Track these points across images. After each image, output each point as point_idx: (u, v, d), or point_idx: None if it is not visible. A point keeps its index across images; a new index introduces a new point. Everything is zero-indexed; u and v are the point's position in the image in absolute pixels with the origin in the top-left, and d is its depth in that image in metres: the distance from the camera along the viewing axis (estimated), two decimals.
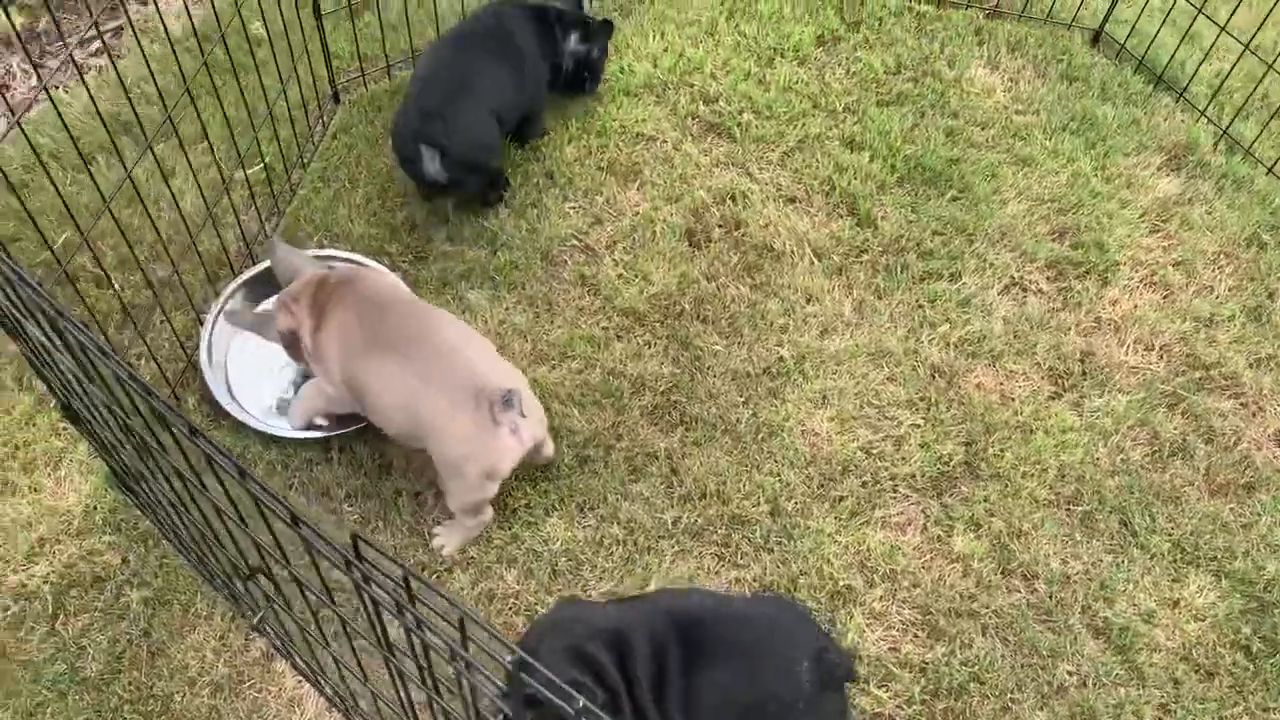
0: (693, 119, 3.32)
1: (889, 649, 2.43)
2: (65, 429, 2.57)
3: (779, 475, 2.64)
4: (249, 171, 2.89)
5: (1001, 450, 2.71)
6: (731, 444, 2.68)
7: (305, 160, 3.09)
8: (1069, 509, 2.62)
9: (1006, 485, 2.66)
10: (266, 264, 2.77)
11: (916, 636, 2.45)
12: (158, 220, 2.75)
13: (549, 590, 2.45)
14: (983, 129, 3.36)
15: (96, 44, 3.51)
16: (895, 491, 2.65)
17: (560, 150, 3.20)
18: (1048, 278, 3.06)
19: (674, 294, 2.93)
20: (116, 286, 2.66)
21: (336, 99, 3.25)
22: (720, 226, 3.09)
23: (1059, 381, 2.87)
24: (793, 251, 3.04)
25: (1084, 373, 2.88)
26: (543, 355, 2.82)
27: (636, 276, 2.96)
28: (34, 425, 2.59)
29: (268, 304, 2.70)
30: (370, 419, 2.47)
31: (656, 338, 2.85)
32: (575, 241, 3.03)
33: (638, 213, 3.10)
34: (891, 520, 2.61)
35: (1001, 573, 2.51)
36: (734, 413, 2.74)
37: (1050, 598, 2.47)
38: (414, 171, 2.88)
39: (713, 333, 2.87)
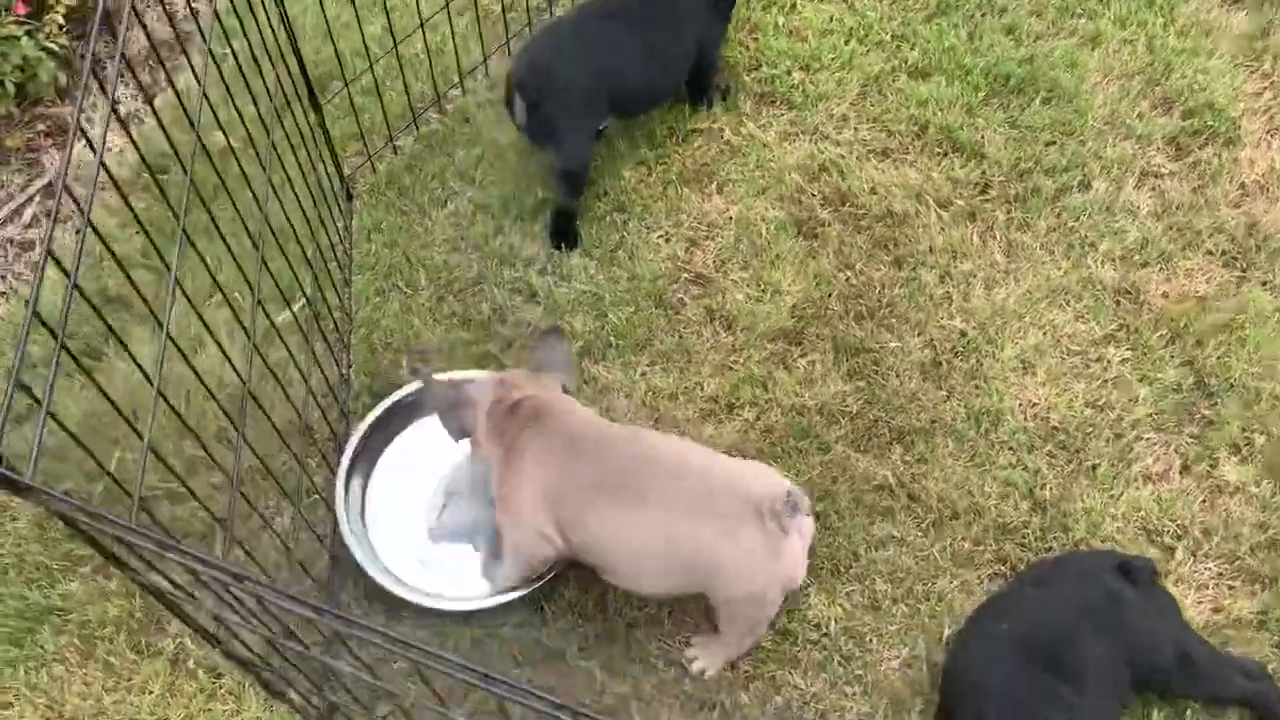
0: (742, 95, 2.96)
1: (1213, 611, 2.24)
2: None
3: (1021, 463, 2.40)
4: (294, 310, 2.41)
5: (1223, 358, 2.52)
6: (957, 447, 2.42)
7: (347, 277, 2.63)
8: None
9: (1245, 394, 2.48)
10: (379, 410, 2.36)
11: (1234, 588, 2.26)
12: (203, 404, 2.27)
13: (848, 679, 2.16)
14: (1039, 17, 3.10)
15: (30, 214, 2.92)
16: (1141, 439, 2.43)
17: (618, 176, 2.81)
18: (1171, 156, 2.85)
19: (816, 298, 2.61)
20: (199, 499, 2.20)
21: (350, 195, 2.77)
22: (826, 206, 2.77)
23: (1237, 264, 2.68)
24: (915, 211, 2.75)
25: (1257, 247, 2.70)
26: (706, 413, 2.48)
27: (767, 292, 2.63)
28: None
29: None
30: (609, 578, 2.11)
31: (821, 353, 2.54)
32: (683, 273, 2.67)
33: (731, 219, 2.75)
34: (1152, 471, 2.40)
35: None
36: (943, 410, 2.46)
37: None
38: (510, 113, 2.67)
39: (878, 328, 2.58)
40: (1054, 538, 2.31)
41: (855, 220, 2.75)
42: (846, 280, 2.65)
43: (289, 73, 2.34)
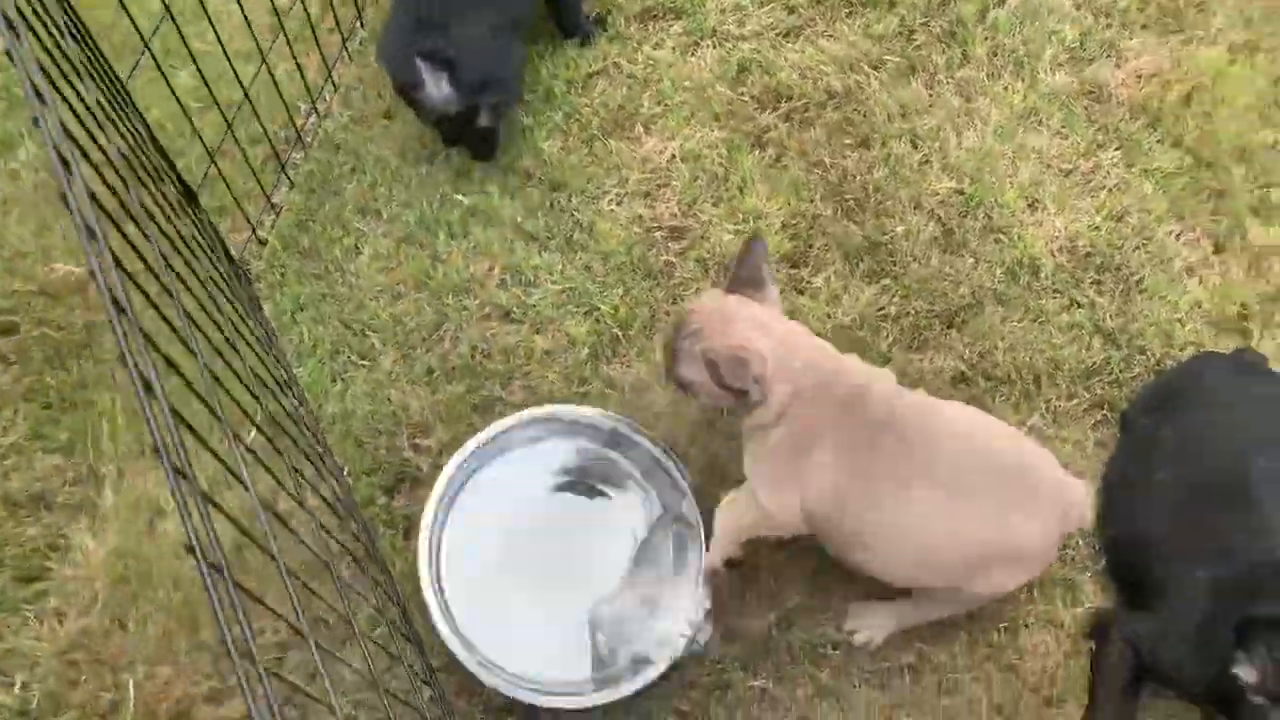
0: (620, 18, 2.65)
1: None
2: None
3: (1074, 301, 2.30)
4: (246, 444, 2.02)
5: (1203, 126, 2.48)
6: (1007, 310, 2.29)
7: (288, 375, 2.23)
8: None
9: (1239, 154, 2.45)
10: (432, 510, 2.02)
11: None
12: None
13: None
14: None
15: None
16: (1169, 234, 2.37)
17: (537, 153, 2.47)
18: None
19: (801, 210, 2.39)
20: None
21: (247, 279, 2.33)
22: (764, 109, 2.52)
23: (1176, 29, 2.63)
24: (855, 83, 2.55)
25: (1184, 5, 2.65)
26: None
27: (749, 221, 2.39)
28: None
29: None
30: (854, 560, 1.88)
31: (832, 266, 2.34)
32: (654, 232, 2.39)
33: (675, 156, 2.47)
34: (1191, 262, 2.35)
35: None
36: (978, 278, 2.32)
37: None
38: (416, 101, 2.29)
39: (876, 218, 2.39)
40: (1139, 363, 2.23)
41: (800, 114, 2.53)
42: (822, 179, 2.45)
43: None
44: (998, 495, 1.75)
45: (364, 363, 2.27)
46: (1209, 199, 2.42)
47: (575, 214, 2.41)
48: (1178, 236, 2.37)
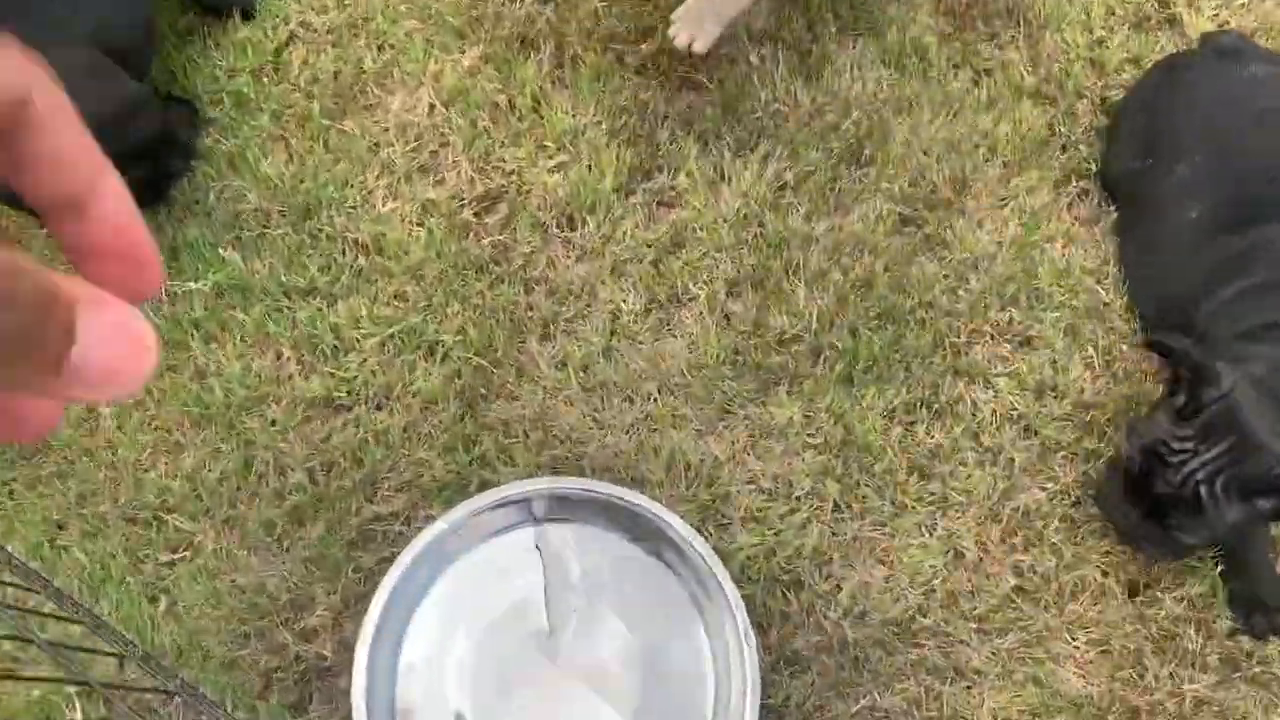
0: None
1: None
2: None
3: None
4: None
5: None
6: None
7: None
8: None
9: None
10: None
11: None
12: None
13: None
14: None
15: None
16: None
17: (264, 184, 1.82)
18: None
19: (638, 98, 1.85)
20: None
21: None
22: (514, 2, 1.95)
23: None
24: None
25: None
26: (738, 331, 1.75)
27: (583, 148, 1.83)
28: None
29: None
30: None
31: (730, 131, 1.83)
32: (466, 208, 1.81)
33: (436, 106, 1.87)
34: None
35: None
36: (875, 94, 1.85)
37: None
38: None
39: (729, 59, 1.88)
40: (1082, 111, 1.83)
41: None
42: (626, 59, 1.90)
43: None
44: None
45: (178, 556, 1.65)
46: None
47: (348, 235, 1.80)
48: None
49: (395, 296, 1.76)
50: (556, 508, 1.59)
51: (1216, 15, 1.87)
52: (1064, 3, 1.88)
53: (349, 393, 1.72)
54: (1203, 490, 1.39)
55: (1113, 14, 1.89)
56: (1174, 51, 1.82)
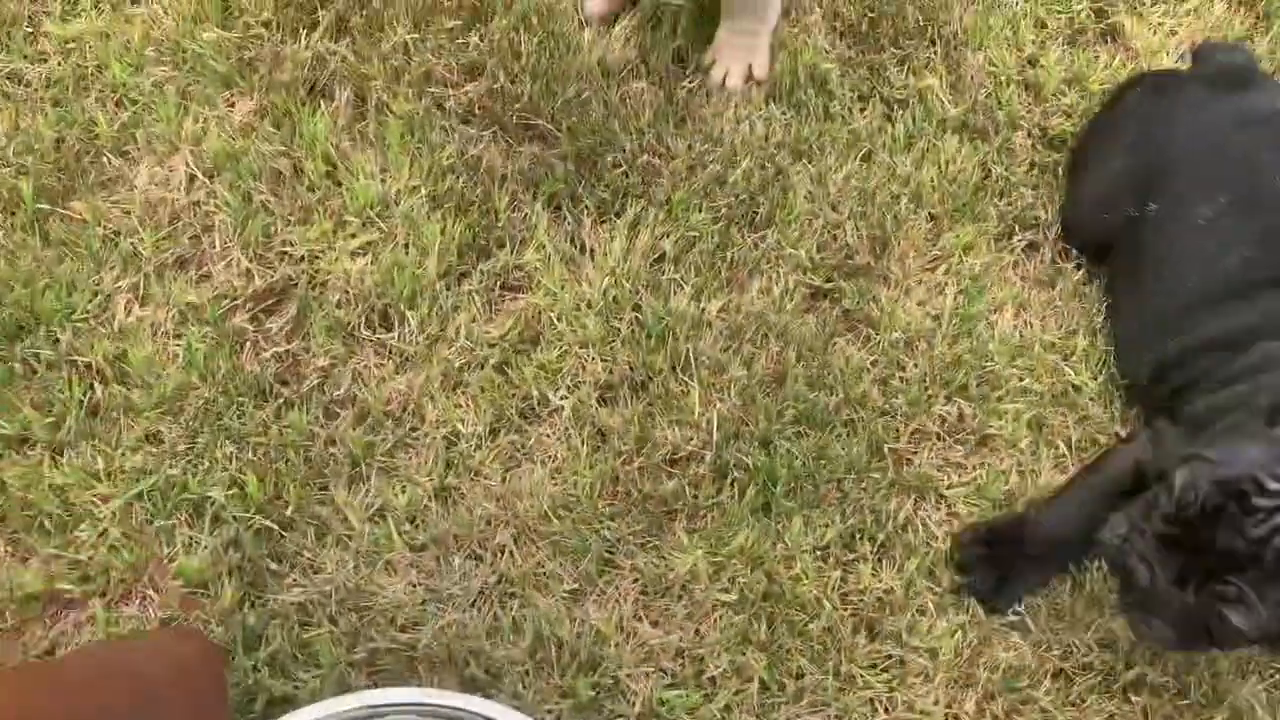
0: None
1: None
2: None
3: None
4: None
5: None
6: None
7: None
8: None
9: None
10: None
11: None
12: None
13: None
14: None
15: None
16: None
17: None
18: None
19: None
20: None
21: None
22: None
23: None
24: None
25: None
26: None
27: (378, 213, 1.40)
28: None
29: None
30: None
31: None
32: (235, 315, 1.35)
33: (197, 176, 1.42)
34: None
35: None
36: (765, 136, 1.47)
37: None
38: None
39: (552, 92, 1.48)
40: (1018, 145, 1.50)
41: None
42: (446, 102, 1.48)
43: None
44: None
45: None
46: None
47: (76, 359, 1.32)
48: None
49: (145, 439, 1.29)
50: None
51: (1162, 24, 1.57)
52: (985, 15, 1.55)
53: (82, 580, 1.23)
54: None
55: (1043, 27, 1.56)
56: (1146, 71, 1.50)
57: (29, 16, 1.51)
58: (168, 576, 1.24)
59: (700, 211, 1.43)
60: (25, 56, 1.48)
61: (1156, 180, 1.31)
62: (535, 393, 1.34)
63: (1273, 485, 1.00)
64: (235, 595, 1.22)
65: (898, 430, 1.34)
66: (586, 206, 1.43)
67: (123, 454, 1.28)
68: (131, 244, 1.38)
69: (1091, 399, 1.36)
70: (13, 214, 1.39)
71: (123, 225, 1.39)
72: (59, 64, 1.48)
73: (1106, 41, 1.56)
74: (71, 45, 1.49)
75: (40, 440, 1.28)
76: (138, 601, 1.24)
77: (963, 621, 1.26)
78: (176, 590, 1.23)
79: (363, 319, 1.36)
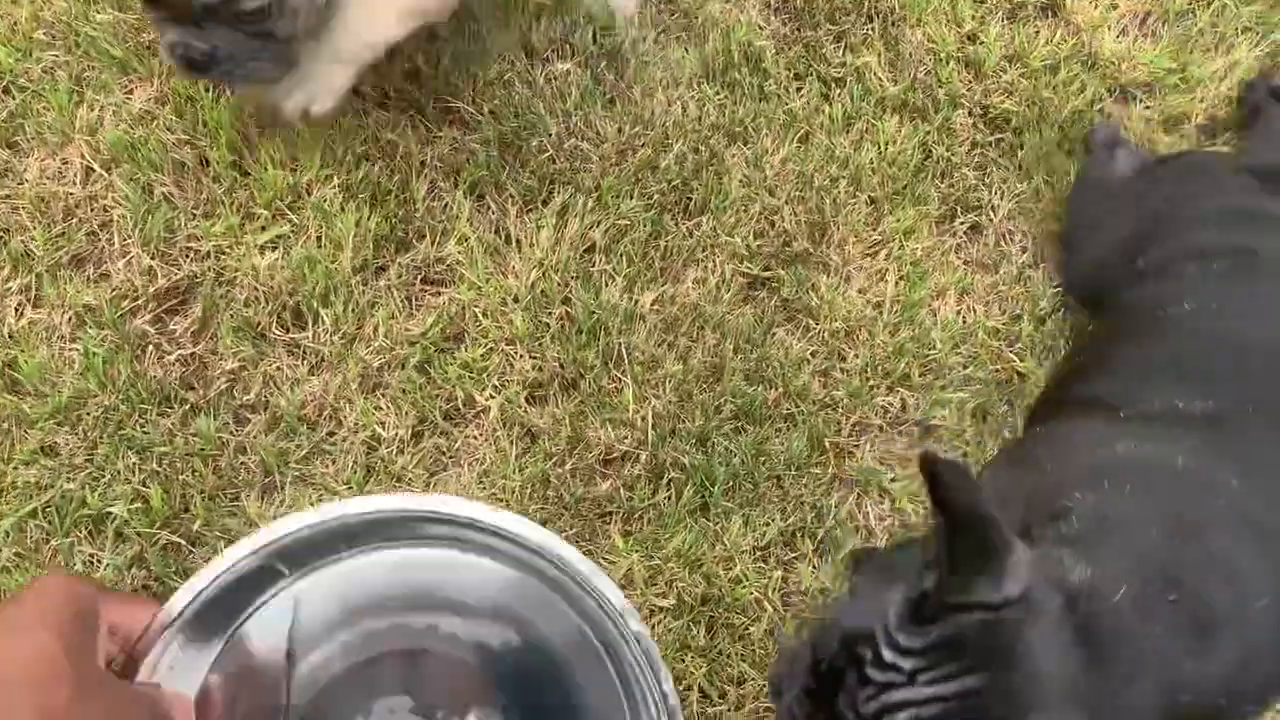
0: None
1: None
2: None
3: None
4: None
5: None
6: None
7: None
8: None
9: None
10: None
11: None
12: None
13: None
14: None
15: None
16: None
17: None
18: None
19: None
20: None
21: None
22: None
23: None
24: None
25: None
26: None
27: (288, 203, 1.33)
28: None
29: None
30: None
31: None
32: (137, 316, 1.28)
33: (92, 171, 1.34)
34: None
35: None
36: (695, 119, 1.42)
37: None
38: None
39: (469, 96, 1.40)
40: (959, 124, 1.45)
41: None
42: (371, 125, 1.41)
43: None
44: None
45: None
46: None
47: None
48: None
49: (40, 452, 1.21)
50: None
51: None
52: None
53: None
54: None
55: (982, 2, 1.52)
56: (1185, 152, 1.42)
57: None
58: None
59: (631, 199, 1.37)
60: None
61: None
62: (460, 393, 1.28)
63: (888, 655, 0.77)
64: None
65: (839, 423, 1.30)
66: (511, 195, 1.36)
67: (15, 468, 1.20)
68: (22, 242, 1.29)
69: (1036, 387, 1.32)
70: None
71: (12, 222, 1.30)
72: None
73: (1047, 16, 1.52)
74: None
75: None
76: None
77: None
78: None
79: (274, 318, 1.28)
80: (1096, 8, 1.53)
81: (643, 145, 1.40)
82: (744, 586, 1.21)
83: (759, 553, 1.24)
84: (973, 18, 1.51)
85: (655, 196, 1.38)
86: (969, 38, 1.50)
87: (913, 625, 0.76)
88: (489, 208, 1.37)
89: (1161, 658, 0.81)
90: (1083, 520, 0.89)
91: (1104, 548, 0.85)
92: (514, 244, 1.35)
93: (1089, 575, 0.81)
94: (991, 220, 1.41)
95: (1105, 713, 0.76)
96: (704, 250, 1.37)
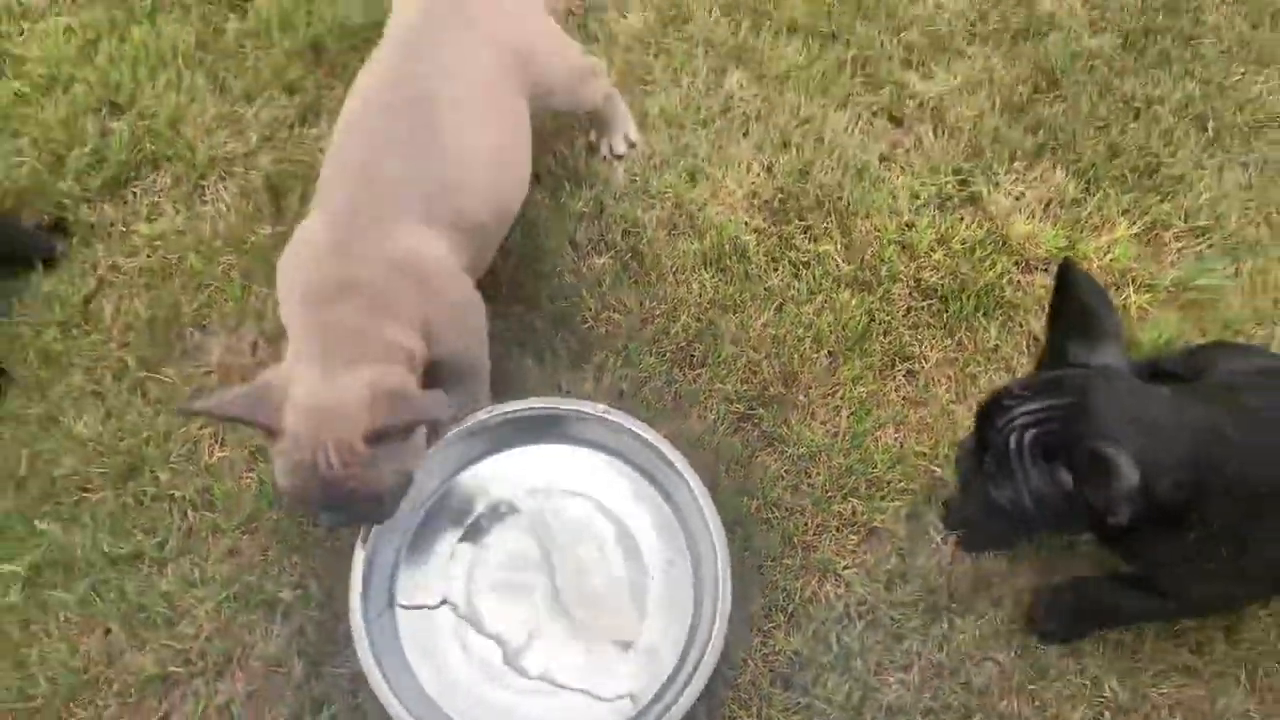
0: None
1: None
2: None
3: None
4: None
5: None
6: None
7: None
8: None
9: None
10: None
11: None
12: None
13: None
14: None
15: None
16: None
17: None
18: None
19: None
20: None
21: None
22: None
23: None
24: None
25: None
26: None
27: None
28: None
29: None
30: None
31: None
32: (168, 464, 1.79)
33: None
34: None
35: None
36: (702, 296, 1.91)
37: None
38: None
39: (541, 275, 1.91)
40: (898, 296, 1.93)
41: None
42: None
43: None
44: None
45: None
46: (857, 71, 2.13)
47: (174, 494, 1.75)
48: (853, 128, 2.08)
49: (229, 553, 1.72)
50: None
51: (1012, 190, 2.01)
52: (871, 190, 2.00)
53: (186, 664, 1.66)
54: (1012, 439, 1.30)
55: (916, 197, 2.00)
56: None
57: (122, 220, 1.97)
58: (251, 658, 1.67)
59: (650, 356, 1.86)
60: (122, 252, 1.94)
61: None
62: None
63: (1014, 395, 1.33)
64: (303, 672, 1.65)
65: (805, 525, 1.76)
66: (561, 356, 1.87)
67: (213, 565, 1.71)
68: None
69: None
70: (119, 380, 1.83)
71: (205, 385, 1.83)
72: (148, 257, 1.93)
73: (968, 206, 2.00)
74: (157, 242, 1.94)
75: (149, 556, 1.71)
76: (229, 679, 1.66)
77: (850, 674, 1.67)
78: (259, 670, 1.66)
79: None
80: (1007, 198, 2.00)
81: (659, 315, 1.90)
82: (733, 647, 1.67)
83: (745, 623, 1.70)
84: (909, 209, 1.99)
85: (668, 354, 1.87)
86: (907, 225, 1.98)
87: (1028, 379, 1.37)
88: (547, 368, 1.86)
89: (1193, 430, 1.31)
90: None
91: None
92: (564, 392, 1.85)
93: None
94: (923, 367, 1.88)
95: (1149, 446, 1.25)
96: (704, 394, 1.85)
